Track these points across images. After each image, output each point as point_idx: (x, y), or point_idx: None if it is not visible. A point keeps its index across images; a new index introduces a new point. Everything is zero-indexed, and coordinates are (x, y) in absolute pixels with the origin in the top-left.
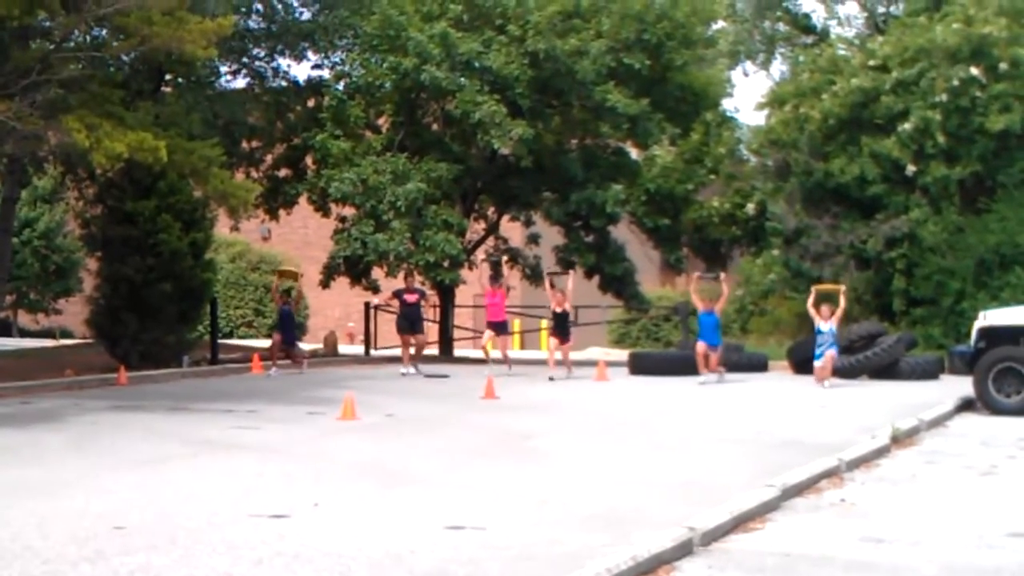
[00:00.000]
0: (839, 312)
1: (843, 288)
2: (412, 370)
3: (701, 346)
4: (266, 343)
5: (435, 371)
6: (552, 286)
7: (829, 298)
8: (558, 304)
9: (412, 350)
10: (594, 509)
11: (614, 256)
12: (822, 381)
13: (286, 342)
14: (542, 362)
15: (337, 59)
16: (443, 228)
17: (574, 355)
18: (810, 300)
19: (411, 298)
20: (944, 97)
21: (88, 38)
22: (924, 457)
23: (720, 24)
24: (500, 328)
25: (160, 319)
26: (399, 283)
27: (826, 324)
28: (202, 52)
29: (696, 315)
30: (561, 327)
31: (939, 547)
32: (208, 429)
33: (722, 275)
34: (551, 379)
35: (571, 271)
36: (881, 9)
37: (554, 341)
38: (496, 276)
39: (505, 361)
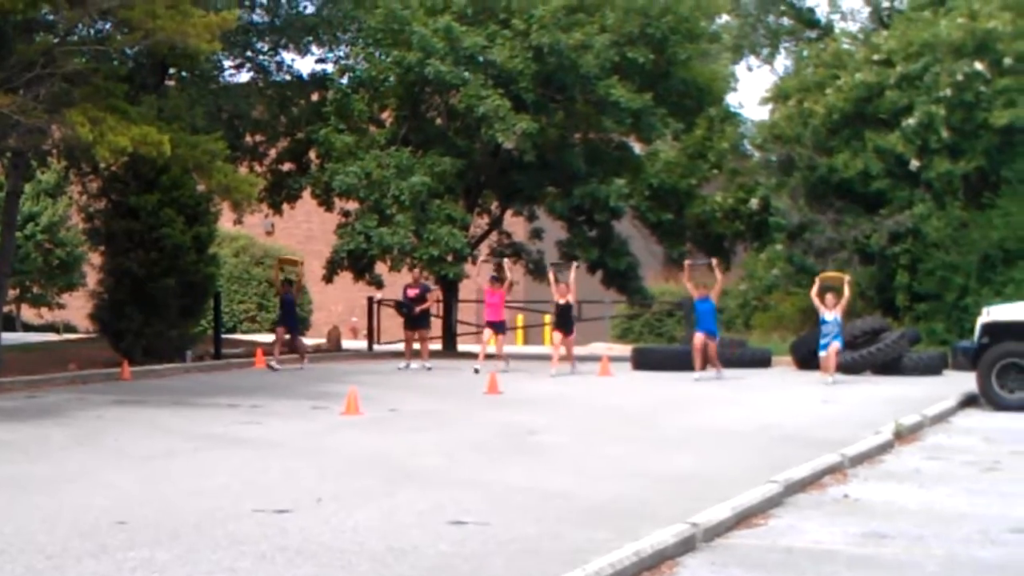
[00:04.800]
0: (843, 302)
1: (847, 277)
2: (414, 364)
3: (699, 338)
4: (270, 338)
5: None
6: (555, 278)
7: (833, 287)
8: (561, 296)
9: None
10: (597, 504)
11: (617, 251)
12: (827, 374)
13: (289, 328)
14: (544, 357)
15: (341, 53)
16: (447, 222)
17: (577, 350)
18: (814, 289)
19: (412, 292)
20: (948, 92)
21: (92, 32)
22: (927, 453)
23: (724, 19)
24: (498, 328)
25: (164, 314)
26: (405, 278)
27: (830, 314)
28: (206, 46)
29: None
30: (564, 319)
31: (942, 542)
32: (211, 424)
33: (714, 260)
34: (552, 375)
35: (573, 262)
36: (885, 3)
37: (558, 336)
38: (497, 277)
39: (502, 358)
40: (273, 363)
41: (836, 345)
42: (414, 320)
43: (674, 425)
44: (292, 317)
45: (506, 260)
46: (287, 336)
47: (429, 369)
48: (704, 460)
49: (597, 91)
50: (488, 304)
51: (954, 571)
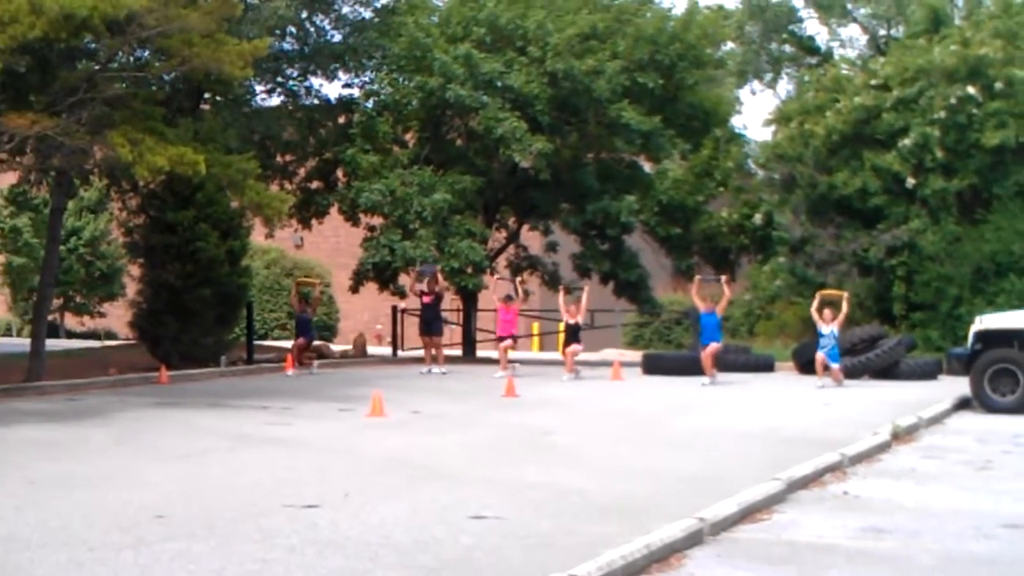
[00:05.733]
0: (841, 317)
1: (846, 295)
2: (435, 369)
3: (713, 347)
4: None
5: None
6: (566, 301)
7: (832, 303)
8: (571, 316)
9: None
10: (609, 501)
11: (628, 263)
12: (822, 376)
13: (308, 340)
14: (559, 363)
15: (366, 78)
16: (466, 236)
17: (589, 357)
18: (814, 304)
19: (426, 299)
20: (942, 114)
21: (131, 59)
22: (923, 452)
23: (729, 46)
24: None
25: (199, 322)
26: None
27: (827, 327)
28: (239, 72)
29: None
30: (573, 337)
31: (937, 537)
32: (244, 425)
33: (723, 278)
34: (564, 379)
35: (586, 285)
36: (882, 32)
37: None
38: (510, 296)
39: (503, 364)
40: (313, 369)
41: (836, 366)
42: (428, 327)
43: (682, 427)
44: (308, 332)
45: (519, 279)
46: (307, 342)
47: (444, 374)
48: (711, 459)
49: (609, 114)
50: (502, 320)
51: (948, 564)
